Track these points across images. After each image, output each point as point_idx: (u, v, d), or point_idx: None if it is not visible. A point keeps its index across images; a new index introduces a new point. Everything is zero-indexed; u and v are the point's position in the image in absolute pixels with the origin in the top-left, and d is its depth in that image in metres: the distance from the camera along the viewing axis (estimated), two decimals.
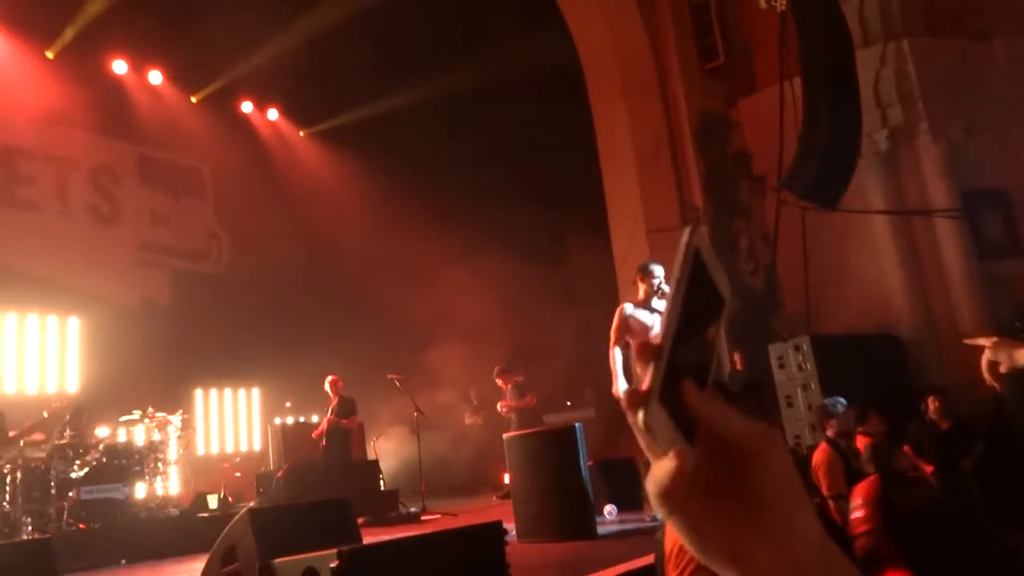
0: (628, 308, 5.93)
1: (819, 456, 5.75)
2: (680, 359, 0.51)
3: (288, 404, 12.68)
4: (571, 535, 5.52)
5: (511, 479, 6.26)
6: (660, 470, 0.52)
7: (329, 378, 9.45)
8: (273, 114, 15.03)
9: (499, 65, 12.69)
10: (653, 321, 5.85)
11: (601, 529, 5.81)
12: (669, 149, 12.39)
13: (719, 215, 12.20)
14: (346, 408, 9.24)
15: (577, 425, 5.84)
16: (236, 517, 4.99)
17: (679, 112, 12.46)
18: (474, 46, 13.01)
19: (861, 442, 6.50)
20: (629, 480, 7.78)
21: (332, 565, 3.02)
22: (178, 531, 7.94)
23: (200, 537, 7.47)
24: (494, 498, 10.34)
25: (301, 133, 15.32)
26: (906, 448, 6.95)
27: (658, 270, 5.85)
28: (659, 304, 5.83)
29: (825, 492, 5.55)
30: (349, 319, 12.84)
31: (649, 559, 4.59)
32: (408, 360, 11.46)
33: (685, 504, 0.52)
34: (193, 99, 13.84)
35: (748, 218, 12.30)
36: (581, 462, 5.71)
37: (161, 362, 11.10)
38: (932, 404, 7.20)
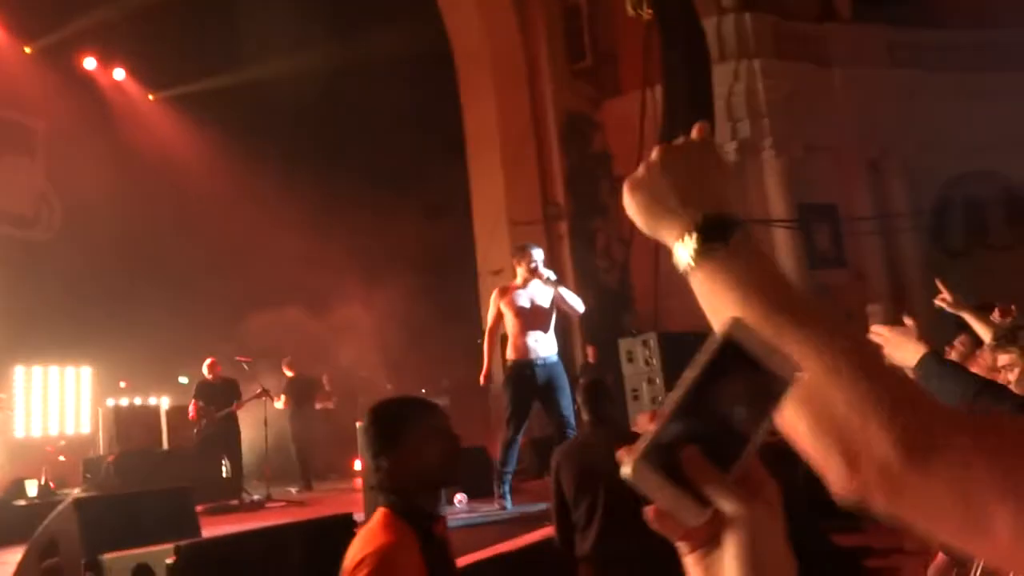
0: (497, 293, 5.91)
1: None
2: (694, 430, 0.54)
3: (123, 384, 11.87)
4: None
5: (363, 467, 6.17)
6: (656, 514, 0.55)
7: (208, 360, 8.96)
8: (120, 73, 13.93)
9: (367, 44, 12.41)
10: (528, 301, 5.79)
11: (451, 519, 5.84)
12: (534, 145, 12.63)
13: (579, 213, 12.56)
14: (235, 391, 8.87)
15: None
16: (60, 506, 4.65)
17: (546, 109, 12.71)
18: (343, 21, 12.65)
19: None
20: (480, 469, 7.86)
21: (168, 561, 2.86)
22: None
23: (15, 527, 6.86)
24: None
25: (150, 96, 14.31)
26: None
27: (536, 252, 5.75)
28: (537, 286, 5.77)
29: None
30: (193, 295, 12.17)
31: (499, 548, 4.67)
32: (255, 340, 11.04)
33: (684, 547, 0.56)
34: (27, 49, 12.60)
35: (606, 218, 12.74)
36: None
37: None
38: None
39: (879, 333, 2.24)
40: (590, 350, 10.26)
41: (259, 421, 9.48)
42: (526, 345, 5.81)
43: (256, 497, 8.56)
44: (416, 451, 2.07)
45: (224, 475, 9.42)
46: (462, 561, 4.15)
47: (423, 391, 12.55)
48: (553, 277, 5.72)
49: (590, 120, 12.99)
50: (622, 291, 12.25)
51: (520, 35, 12.75)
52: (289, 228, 12.29)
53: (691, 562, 0.56)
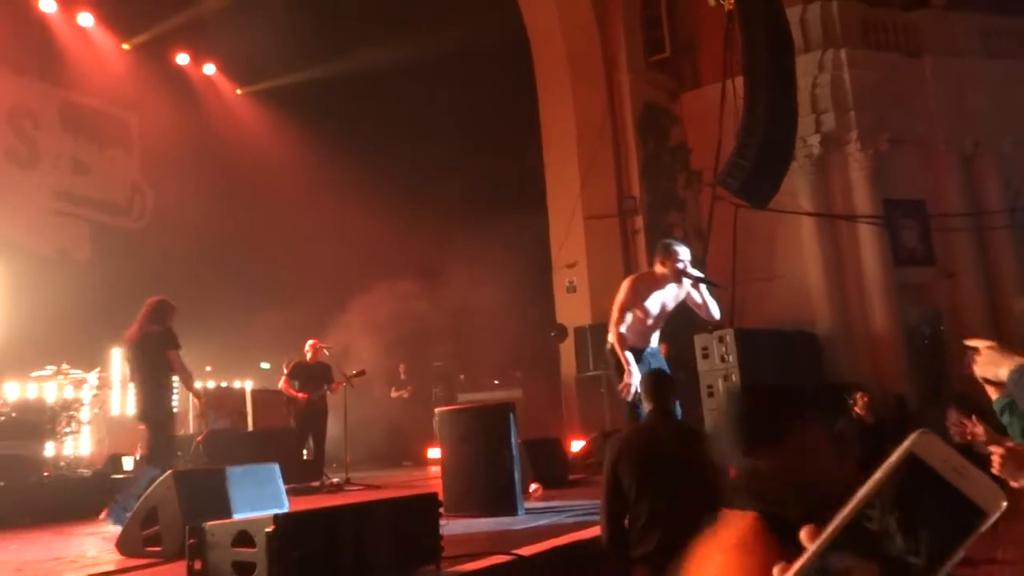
0: (636, 283, 5.59)
1: None
2: (862, 555, 0.47)
3: (208, 368, 12.34)
4: (497, 511, 5.59)
5: (442, 453, 6.28)
6: None
7: (311, 341, 9.18)
8: (210, 69, 14.49)
9: (445, 38, 12.55)
10: (662, 301, 5.57)
11: (526, 506, 5.91)
12: (611, 137, 12.55)
13: (655, 206, 12.44)
14: (325, 375, 9.08)
15: (512, 404, 5.90)
16: (159, 479, 4.89)
17: (623, 101, 12.61)
18: (423, 16, 12.83)
19: None
20: (554, 460, 7.92)
21: (268, 530, 3.00)
22: (89, 492, 7.66)
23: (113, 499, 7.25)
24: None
25: (238, 91, 14.83)
26: None
27: (683, 251, 5.51)
28: (672, 287, 5.54)
29: None
30: (275, 284, 12.57)
31: (572, 537, 4.68)
32: (335, 328, 11.33)
33: None
34: (125, 46, 13.22)
35: (683, 211, 12.58)
36: (512, 440, 5.78)
37: (77, 318, 10.64)
38: (860, 399, 7.50)
39: (975, 345, 2.06)
40: (661, 347, 10.14)
41: (339, 407, 9.73)
42: (645, 339, 5.64)
43: (335, 480, 8.81)
44: (803, 454, 1.77)
45: (305, 457, 9.73)
46: (539, 547, 4.20)
47: (496, 382, 12.69)
48: (699, 275, 5.52)
49: (668, 112, 12.83)
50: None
51: (597, 26, 12.69)
52: (368, 221, 12.56)
53: None
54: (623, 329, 5.46)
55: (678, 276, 5.46)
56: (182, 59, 14.07)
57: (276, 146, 13.90)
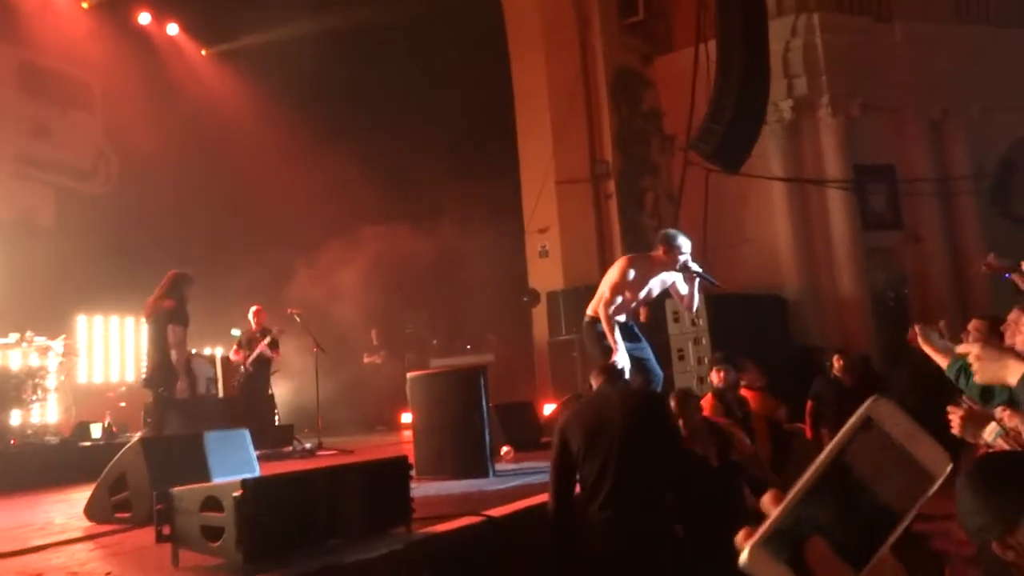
0: (633, 265, 5.61)
1: (703, 405, 6.07)
2: (822, 518, 0.49)
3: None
4: (469, 474, 5.64)
5: (414, 417, 6.30)
6: None
7: (253, 308, 9.09)
8: (173, 29, 14.11)
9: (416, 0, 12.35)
10: (652, 287, 5.66)
11: (497, 469, 5.96)
12: (583, 101, 12.47)
13: (628, 171, 12.42)
14: (274, 341, 9.02)
15: (483, 367, 5.92)
16: (127, 445, 4.85)
17: (596, 65, 12.51)
18: None
19: (746, 393, 6.91)
20: (526, 423, 7.98)
21: (235, 495, 2.99)
22: (57, 460, 7.60)
23: (81, 467, 7.17)
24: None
25: (203, 52, 14.47)
26: (808, 403, 7.39)
27: (686, 245, 5.54)
28: (666, 274, 5.61)
29: None
30: (245, 248, 12.42)
31: (542, 498, 4.74)
32: (306, 293, 11.25)
33: None
34: (84, 4, 12.81)
35: (656, 176, 12.58)
36: (483, 404, 5.81)
37: (42, 284, 10.46)
38: (837, 362, 7.59)
39: (970, 351, 1.99)
40: (642, 311, 10.22)
41: (311, 373, 9.71)
42: (625, 315, 5.70)
43: (308, 446, 8.82)
44: None
45: (275, 423, 9.71)
46: (508, 508, 4.25)
47: (468, 347, 12.72)
48: (699, 270, 5.57)
49: (641, 76, 12.75)
50: None
51: None
52: (339, 184, 12.41)
53: None
54: (612, 310, 5.50)
55: (678, 267, 5.55)
56: (144, 18, 13.67)
57: (243, 108, 13.63)
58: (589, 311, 5.82)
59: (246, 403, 8.83)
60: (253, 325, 9.08)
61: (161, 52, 14.01)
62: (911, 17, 12.12)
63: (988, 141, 12.24)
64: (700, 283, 5.64)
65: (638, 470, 3.75)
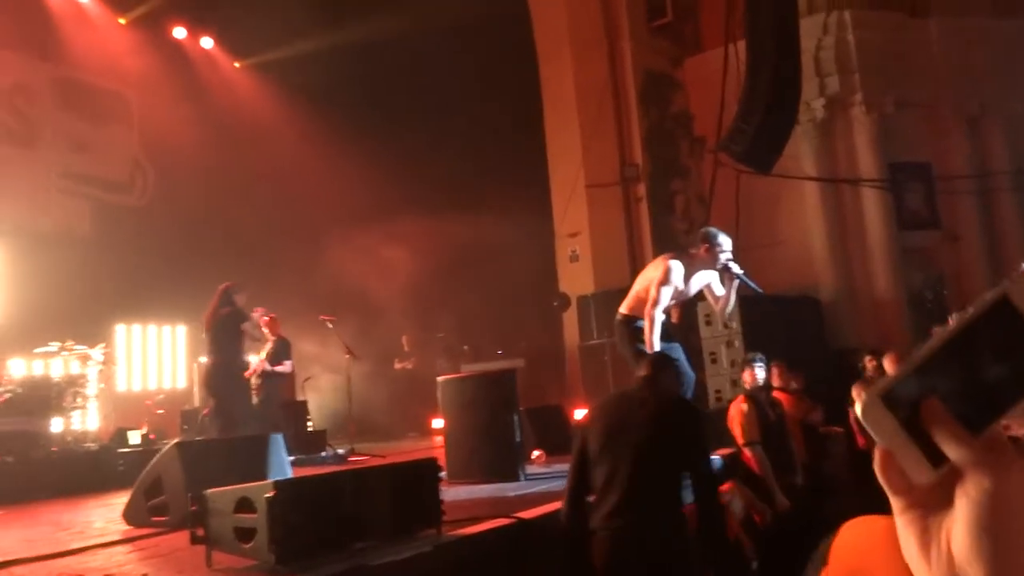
0: (677, 265, 5.50)
1: (735, 407, 5.97)
2: (943, 384, 0.50)
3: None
4: (499, 477, 5.63)
5: (445, 422, 6.31)
6: (884, 460, 0.51)
7: (264, 317, 9.18)
8: (207, 42, 14.38)
9: (445, 5, 12.41)
10: (691, 288, 5.60)
11: (528, 472, 5.94)
12: (612, 105, 12.42)
13: (658, 174, 12.35)
14: (282, 350, 9.05)
15: (513, 371, 5.92)
16: (163, 450, 4.93)
17: (624, 68, 12.46)
18: None
19: (778, 396, 6.79)
20: (557, 427, 7.95)
21: (267, 495, 3.01)
22: (96, 466, 7.76)
23: (120, 473, 7.34)
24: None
25: (236, 64, 14.72)
26: (851, 412, 7.25)
27: (726, 243, 5.46)
28: (705, 274, 5.56)
29: (740, 441, 5.79)
30: (279, 257, 12.59)
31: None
32: (338, 301, 11.35)
33: (897, 503, 0.52)
34: (121, 20, 13.11)
35: (686, 178, 12.49)
36: (514, 407, 5.80)
37: (81, 295, 10.69)
38: (870, 363, 7.44)
39: None
40: (673, 312, 10.14)
41: (342, 380, 9.78)
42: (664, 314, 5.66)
43: (340, 451, 8.88)
44: None
45: (308, 429, 9.80)
46: (539, 511, 4.22)
47: (499, 352, 12.72)
48: (740, 272, 5.47)
49: (670, 79, 12.68)
50: None
51: None
52: (369, 192, 12.52)
53: (904, 522, 0.52)
54: (658, 312, 5.42)
55: (718, 267, 5.47)
56: (179, 32, 13.96)
57: (277, 119, 13.83)
58: (623, 309, 5.75)
59: (261, 410, 8.87)
60: (267, 333, 9.07)
61: (196, 65, 14.28)
62: (946, 12, 11.90)
63: None
64: (738, 285, 5.54)
65: (652, 480, 3.47)
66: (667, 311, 5.75)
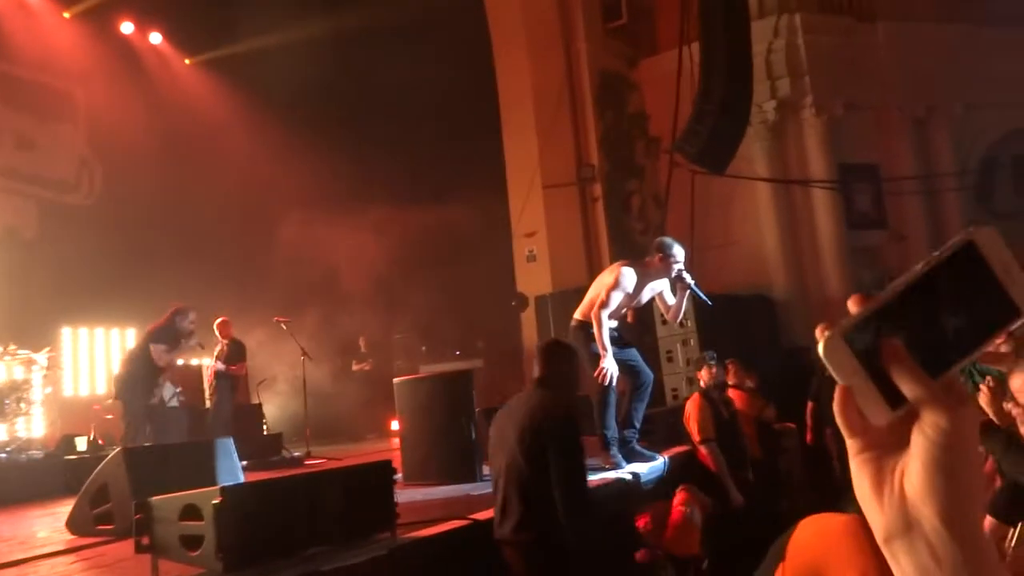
0: (630, 272, 5.52)
1: (691, 405, 6.06)
2: (905, 326, 0.50)
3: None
4: (456, 478, 5.60)
5: (401, 423, 6.26)
6: (843, 400, 0.52)
7: (218, 320, 9.00)
8: (156, 38, 14.04)
9: (400, 6, 12.32)
10: (643, 295, 5.63)
11: (486, 473, 5.92)
12: (568, 105, 12.47)
13: (614, 174, 12.43)
14: (235, 352, 8.88)
15: (469, 372, 5.89)
16: (108, 456, 4.79)
17: (580, 69, 12.53)
18: None
19: (733, 394, 6.90)
20: None
21: (215, 502, 2.95)
22: (42, 474, 7.53)
23: (66, 481, 7.12)
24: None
25: (187, 61, 14.41)
26: (809, 404, 7.39)
27: (680, 254, 5.46)
28: (657, 283, 5.59)
29: (695, 438, 5.87)
30: (232, 259, 12.37)
31: None
32: (293, 302, 11.19)
33: (852, 442, 0.53)
34: (66, 14, 12.74)
35: (642, 179, 12.60)
36: (471, 408, 5.78)
37: (25, 298, 10.37)
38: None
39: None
40: (629, 312, 10.22)
41: (298, 382, 9.65)
42: (614, 320, 5.68)
43: (296, 454, 8.76)
44: None
45: (264, 433, 9.65)
46: (492, 512, 4.21)
47: (457, 353, 12.68)
48: (692, 283, 5.47)
49: (625, 80, 12.78)
50: None
51: None
52: (322, 192, 12.37)
53: (859, 463, 0.53)
54: (605, 315, 5.46)
55: (672, 276, 5.52)
56: (127, 27, 13.60)
57: (226, 116, 13.56)
58: (577, 315, 5.78)
59: (213, 415, 8.73)
60: (218, 336, 8.92)
61: (144, 61, 13.94)
62: (893, 17, 12.21)
63: (971, 138, 12.32)
64: (689, 295, 5.60)
65: (521, 489, 3.37)
66: (623, 315, 5.79)
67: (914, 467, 0.50)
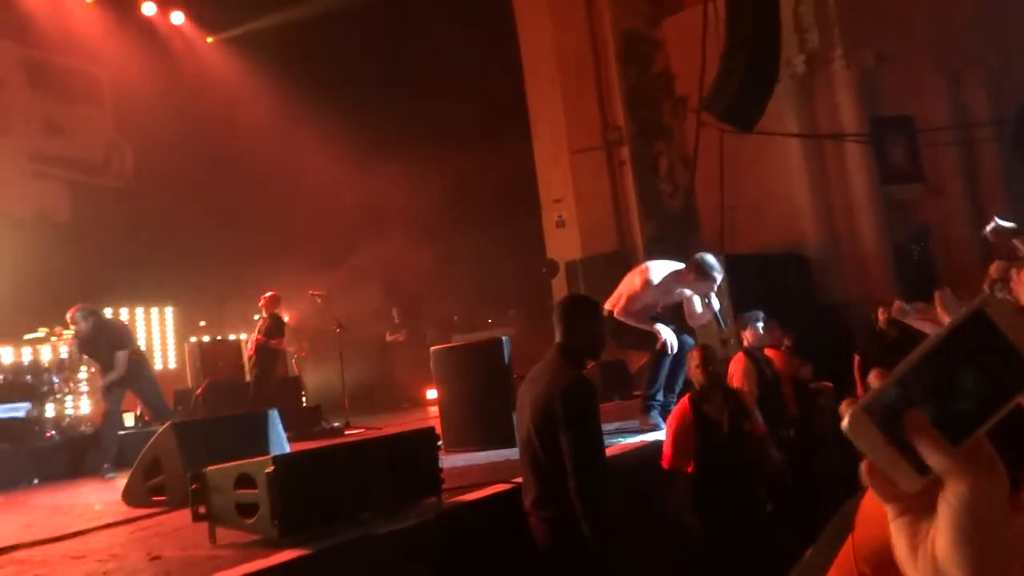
0: (655, 275, 5.54)
1: (734, 364, 6.05)
2: (924, 396, 0.52)
3: (203, 323, 12.36)
4: (495, 444, 5.67)
5: (438, 392, 6.33)
6: (871, 472, 0.54)
7: (267, 294, 9.13)
8: (178, 17, 14.06)
9: None
10: (675, 297, 5.68)
11: None
12: (593, 67, 12.32)
13: (640, 136, 12.30)
14: (276, 327, 9.04)
15: (504, 338, 5.93)
16: (158, 431, 4.93)
17: (603, 29, 12.35)
18: None
19: (769, 353, 6.87)
20: None
21: (267, 471, 3.03)
22: (92, 449, 7.75)
23: (116, 455, 7.33)
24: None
25: (209, 39, 14.43)
26: (855, 358, 7.39)
27: (719, 278, 5.49)
28: (687, 291, 5.65)
29: None
30: (263, 234, 12.48)
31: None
32: (327, 275, 11.30)
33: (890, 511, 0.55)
34: None
35: (669, 139, 12.45)
36: (507, 374, 5.82)
37: (67, 280, 10.55)
38: (882, 315, 7.52)
39: None
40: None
41: (336, 355, 9.78)
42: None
43: (336, 424, 8.91)
44: None
45: (304, 405, 9.82)
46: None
47: (490, 321, 12.75)
48: (718, 308, 5.57)
49: (649, 39, 12.57)
50: (687, 215, 12.05)
51: None
52: (352, 164, 12.40)
53: (897, 527, 0.54)
54: (625, 317, 5.50)
55: (703, 295, 5.56)
56: (148, 9, 13.64)
57: (253, 93, 13.60)
58: (607, 306, 5.75)
59: (255, 388, 8.90)
60: (263, 312, 9.09)
61: (167, 42, 13.99)
62: None
63: (1008, 87, 11.97)
64: (711, 314, 5.60)
65: (536, 466, 3.26)
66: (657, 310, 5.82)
67: (940, 533, 0.51)
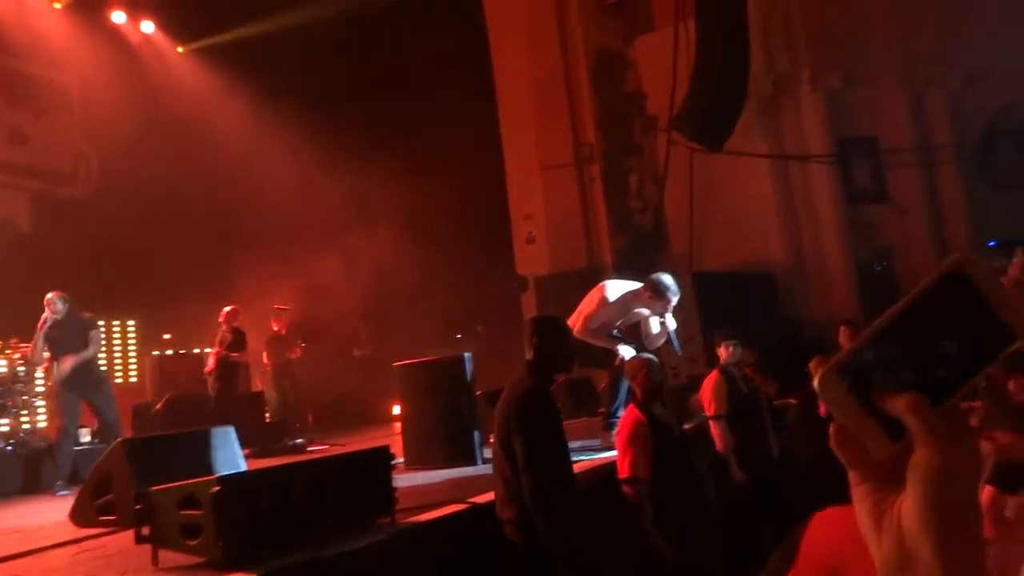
0: (611, 294, 5.59)
1: (708, 380, 6.06)
2: (898, 357, 0.50)
3: (167, 336, 12.16)
4: (457, 462, 5.61)
5: (402, 408, 6.26)
6: (839, 434, 0.52)
7: (226, 308, 9.01)
8: (148, 27, 13.93)
9: None
10: (632, 316, 5.70)
11: (487, 456, 5.93)
12: (565, 85, 12.39)
13: (612, 154, 12.37)
14: (237, 340, 8.90)
15: (466, 355, 5.88)
16: (109, 447, 4.81)
17: (576, 48, 12.43)
18: None
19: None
20: None
21: (213, 491, 2.95)
22: (46, 465, 7.55)
23: (71, 471, 7.15)
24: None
25: (179, 49, 14.30)
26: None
27: (674, 298, 5.50)
28: (643, 312, 5.68)
29: (708, 412, 5.89)
30: (230, 248, 12.33)
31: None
32: (292, 290, 11.18)
33: (854, 474, 0.53)
34: (57, 4, 12.63)
35: (640, 157, 12.54)
36: (470, 391, 5.78)
37: (24, 291, 10.33)
38: (844, 332, 7.58)
39: None
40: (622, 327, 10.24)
41: (300, 369, 9.65)
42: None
43: (299, 441, 8.77)
44: None
45: (266, 420, 9.67)
46: (491, 496, 4.21)
47: (458, 336, 12.68)
48: (673, 328, 5.58)
49: (622, 58, 12.68)
50: (656, 233, 12.13)
51: None
52: (321, 177, 12.32)
53: (859, 494, 0.52)
54: (583, 335, 5.52)
55: (658, 314, 5.57)
56: (118, 17, 13.49)
57: (223, 104, 13.47)
58: (570, 323, 5.77)
59: (217, 403, 8.75)
60: (223, 326, 8.96)
61: (137, 50, 13.83)
62: None
63: (971, 110, 12.22)
64: (667, 335, 5.63)
65: (502, 470, 3.42)
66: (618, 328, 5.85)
67: (909, 503, 0.49)
